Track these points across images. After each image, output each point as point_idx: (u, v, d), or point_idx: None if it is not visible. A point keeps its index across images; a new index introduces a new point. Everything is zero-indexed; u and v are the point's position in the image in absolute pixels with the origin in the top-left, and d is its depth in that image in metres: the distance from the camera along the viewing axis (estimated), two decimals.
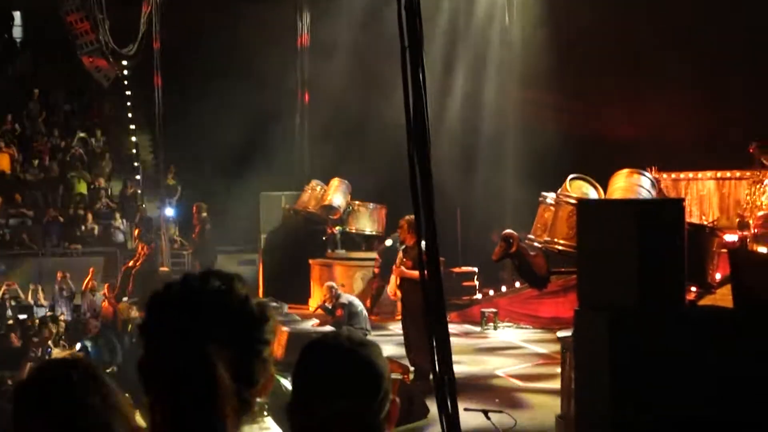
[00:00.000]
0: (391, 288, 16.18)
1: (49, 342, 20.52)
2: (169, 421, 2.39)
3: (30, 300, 24.85)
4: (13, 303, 24.80)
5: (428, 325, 8.75)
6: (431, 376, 9.34)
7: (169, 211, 28.98)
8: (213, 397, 2.39)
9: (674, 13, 23.72)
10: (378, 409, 2.73)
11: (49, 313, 23.27)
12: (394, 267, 15.83)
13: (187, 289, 2.49)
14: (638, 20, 24.16)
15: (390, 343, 18.09)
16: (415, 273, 14.42)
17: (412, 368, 14.85)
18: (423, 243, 8.69)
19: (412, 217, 14.34)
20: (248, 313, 2.51)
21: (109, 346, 20.81)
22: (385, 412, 2.74)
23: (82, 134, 32.89)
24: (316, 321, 18.54)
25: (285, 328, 17.31)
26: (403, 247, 15.56)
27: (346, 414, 2.68)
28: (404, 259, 15.25)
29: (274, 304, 21.04)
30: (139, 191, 32.46)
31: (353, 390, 2.69)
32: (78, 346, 20.63)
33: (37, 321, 22.07)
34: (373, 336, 18.53)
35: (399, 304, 15.87)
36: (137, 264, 25.39)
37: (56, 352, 19.78)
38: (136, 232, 26.99)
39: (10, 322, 22.48)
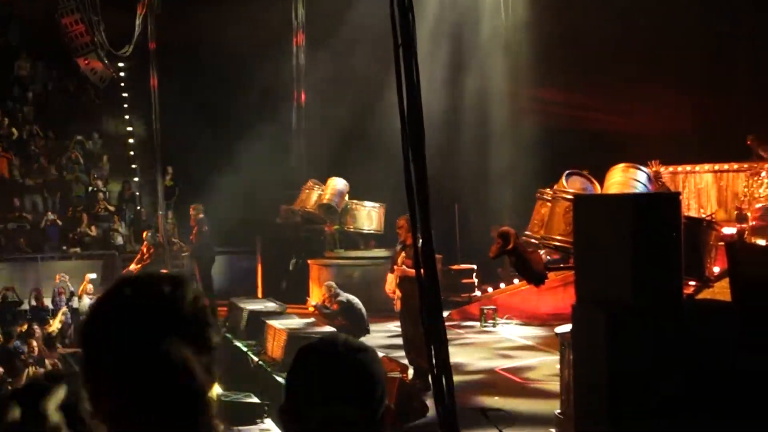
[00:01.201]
0: (390, 286, 16.16)
1: (34, 343, 20.44)
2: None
3: (31, 304, 24.82)
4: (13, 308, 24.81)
5: (425, 323, 8.73)
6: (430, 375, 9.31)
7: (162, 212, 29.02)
8: (202, 401, 2.35)
9: (672, 8, 23.74)
10: (371, 415, 2.71)
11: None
12: (395, 266, 15.80)
13: (140, 293, 2.39)
14: (637, 15, 24.17)
15: (389, 341, 18.09)
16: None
17: (411, 367, 14.83)
18: (419, 241, 8.65)
19: None
20: (203, 314, 2.42)
21: None
22: (378, 417, 2.72)
23: (79, 137, 32.84)
24: (314, 321, 18.50)
25: (283, 328, 17.29)
26: (402, 246, 15.53)
27: (339, 419, 2.66)
28: (405, 258, 15.22)
29: (274, 304, 21.04)
30: (137, 193, 32.44)
31: (347, 395, 2.68)
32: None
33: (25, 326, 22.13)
34: (372, 334, 18.53)
35: (398, 303, 15.82)
36: (138, 266, 25.38)
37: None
38: (145, 234, 26.97)
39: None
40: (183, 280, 2.44)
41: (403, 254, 15.43)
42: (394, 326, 18.22)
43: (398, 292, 15.63)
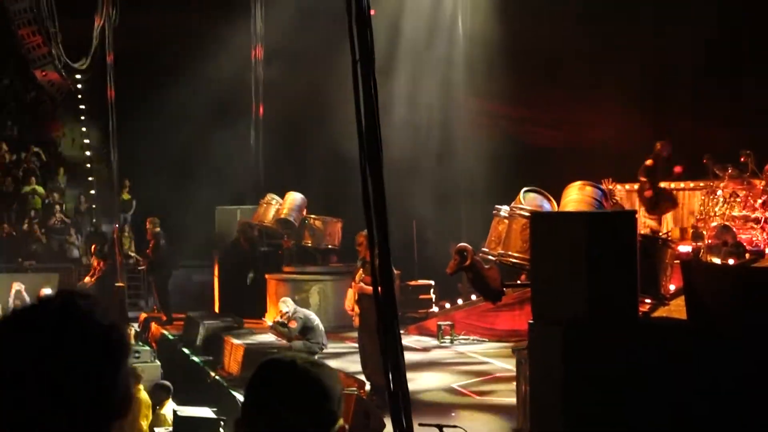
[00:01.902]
0: (349, 303, 16.12)
1: None
2: None
3: None
4: None
5: (382, 339, 8.71)
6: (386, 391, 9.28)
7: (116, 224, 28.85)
8: None
9: (627, 27, 23.90)
10: (320, 427, 2.70)
11: None
12: (353, 282, 15.77)
13: (25, 314, 2.31)
14: (592, 33, 24.29)
15: (346, 357, 18.04)
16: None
17: (368, 383, 14.81)
18: (376, 258, 8.63)
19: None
20: (88, 333, 2.29)
21: None
22: None
23: (35, 149, 32.62)
24: (272, 336, 18.45)
25: (240, 343, 17.25)
26: (363, 262, 15.48)
27: (283, 426, 2.67)
28: (364, 275, 15.18)
29: (231, 319, 20.96)
30: (94, 206, 32.25)
31: (297, 405, 2.68)
32: None
33: None
34: (329, 350, 18.47)
35: (356, 319, 15.79)
36: (92, 280, 25.22)
37: None
38: (93, 247, 26.80)
39: None
40: (73, 295, 2.33)
41: (361, 271, 15.40)
42: (352, 342, 18.18)
43: (357, 309, 15.60)
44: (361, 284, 15.15)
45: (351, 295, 16.00)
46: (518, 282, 15.25)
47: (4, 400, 2.24)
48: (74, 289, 2.41)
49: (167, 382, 15.80)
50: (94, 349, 2.28)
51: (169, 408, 15.07)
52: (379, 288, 8.66)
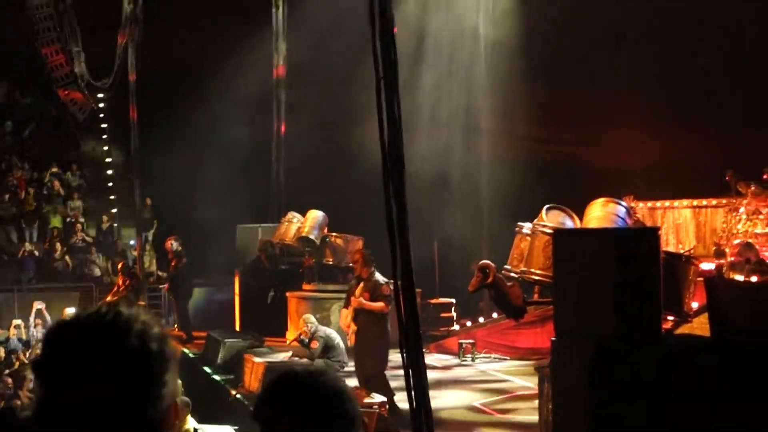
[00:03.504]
0: (345, 321, 16.06)
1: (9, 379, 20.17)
2: None
3: (12, 335, 24.61)
4: None
5: (405, 357, 8.69)
6: (408, 408, 9.25)
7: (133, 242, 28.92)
8: None
9: (651, 44, 23.87)
10: None
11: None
12: (351, 298, 15.74)
13: (78, 326, 2.31)
14: (615, 49, 24.28)
15: None
16: (375, 305, 14.52)
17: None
18: (398, 274, 8.61)
19: (367, 250, 14.59)
20: (139, 350, 2.28)
21: None
22: None
23: (57, 168, 32.71)
24: (290, 353, 18.43)
25: (261, 361, 17.24)
26: (358, 279, 15.58)
27: None
28: (363, 291, 15.23)
29: (251, 337, 20.95)
30: (115, 225, 32.33)
31: (299, 411, 2.65)
32: None
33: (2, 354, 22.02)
34: (350, 369, 18.46)
35: (352, 337, 15.73)
36: (114, 299, 25.24)
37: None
38: (120, 265, 26.81)
39: None
40: (123, 314, 2.33)
41: (361, 286, 15.41)
42: None
43: (353, 326, 15.55)
44: (360, 299, 15.17)
45: (346, 313, 15.96)
46: (539, 300, 15.21)
47: (48, 408, 2.25)
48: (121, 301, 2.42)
49: (185, 398, 15.80)
50: (138, 362, 2.28)
51: (190, 424, 15.06)
52: (402, 305, 8.65)
